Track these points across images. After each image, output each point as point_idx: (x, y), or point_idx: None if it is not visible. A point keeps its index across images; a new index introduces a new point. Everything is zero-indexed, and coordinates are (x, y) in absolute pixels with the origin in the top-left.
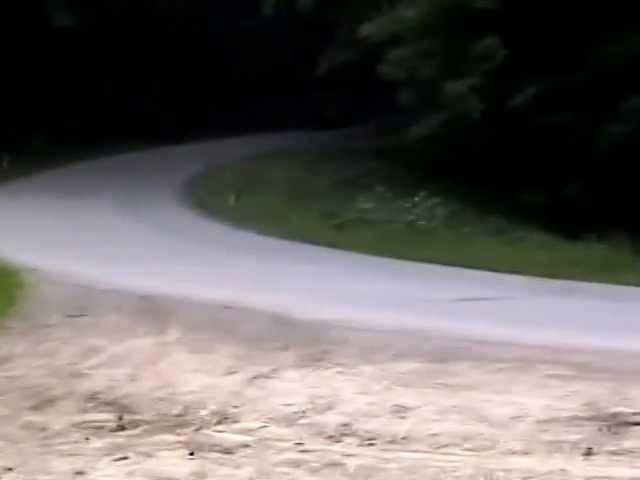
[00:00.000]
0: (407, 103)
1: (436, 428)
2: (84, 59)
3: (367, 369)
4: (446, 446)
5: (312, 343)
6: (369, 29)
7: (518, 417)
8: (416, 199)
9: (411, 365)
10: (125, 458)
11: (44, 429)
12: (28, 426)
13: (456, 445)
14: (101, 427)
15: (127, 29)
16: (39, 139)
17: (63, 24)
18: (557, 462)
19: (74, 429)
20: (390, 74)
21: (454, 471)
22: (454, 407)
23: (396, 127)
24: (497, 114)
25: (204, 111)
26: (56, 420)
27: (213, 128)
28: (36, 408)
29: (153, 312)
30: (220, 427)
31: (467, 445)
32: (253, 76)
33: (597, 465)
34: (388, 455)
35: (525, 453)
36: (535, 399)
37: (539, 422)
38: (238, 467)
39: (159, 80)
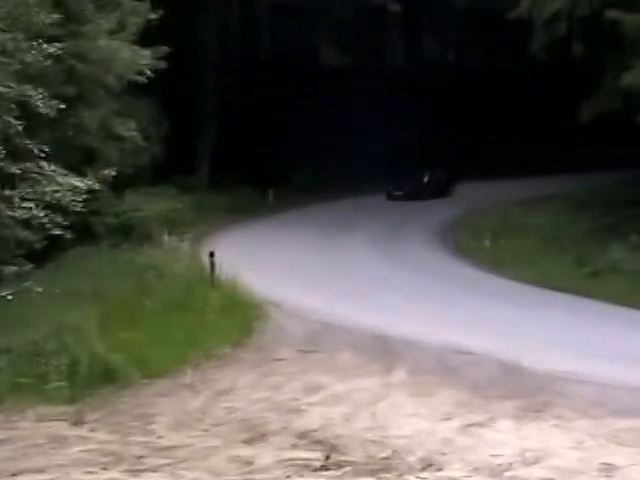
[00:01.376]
0: None
1: None
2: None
3: (584, 424)
4: None
5: (534, 393)
6: (630, 78)
7: None
8: None
9: (630, 423)
10: None
11: (249, 463)
12: (235, 459)
13: None
14: (306, 465)
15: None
16: (302, 176)
17: (332, 63)
18: None
19: (279, 466)
20: None
21: None
22: None
23: None
24: None
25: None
26: (264, 455)
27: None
28: (247, 442)
29: (384, 352)
30: (423, 474)
31: None
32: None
33: None
34: None
35: None
36: None
37: None
38: None
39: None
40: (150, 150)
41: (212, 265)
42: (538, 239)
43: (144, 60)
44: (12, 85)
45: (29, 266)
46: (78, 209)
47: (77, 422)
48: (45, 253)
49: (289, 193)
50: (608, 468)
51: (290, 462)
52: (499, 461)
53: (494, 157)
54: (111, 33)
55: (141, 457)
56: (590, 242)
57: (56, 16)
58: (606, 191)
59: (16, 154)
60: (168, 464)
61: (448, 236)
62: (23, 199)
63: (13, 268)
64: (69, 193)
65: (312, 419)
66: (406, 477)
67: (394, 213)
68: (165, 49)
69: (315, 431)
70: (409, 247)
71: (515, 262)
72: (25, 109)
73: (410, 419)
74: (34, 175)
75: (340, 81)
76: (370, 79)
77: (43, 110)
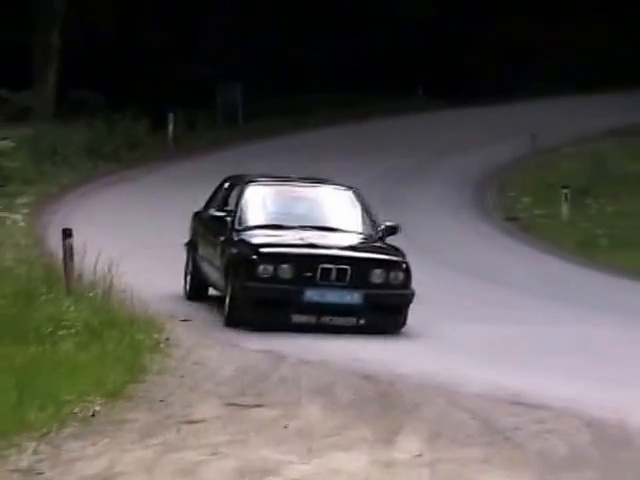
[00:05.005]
0: None
1: None
2: None
3: None
4: None
5: None
6: None
7: None
8: None
9: None
10: None
11: None
12: None
13: None
14: None
15: None
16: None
17: None
18: None
19: None
20: None
21: None
22: None
23: None
24: None
25: None
26: None
27: None
28: None
29: (379, 403)
30: None
31: None
32: None
33: None
34: None
35: None
36: None
37: None
38: None
39: None
40: None
41: (68, 253)
42: None
43: None
44: None
45: None
46: None
47: None
48: None
49: (208, 123)
50: None
51: None
52: None
53: (562, 56)
54: None
55: None
56: None
57: None
58: None
59: None
60: None
61: (492, 196)
62: None
63: None
64: None
65: None
66: None
67: (390, 150)
68: None
69: None
70: (422, 213)
71: (616, 243)
72: None
73: None
74: None
75: None
76: None
77: None
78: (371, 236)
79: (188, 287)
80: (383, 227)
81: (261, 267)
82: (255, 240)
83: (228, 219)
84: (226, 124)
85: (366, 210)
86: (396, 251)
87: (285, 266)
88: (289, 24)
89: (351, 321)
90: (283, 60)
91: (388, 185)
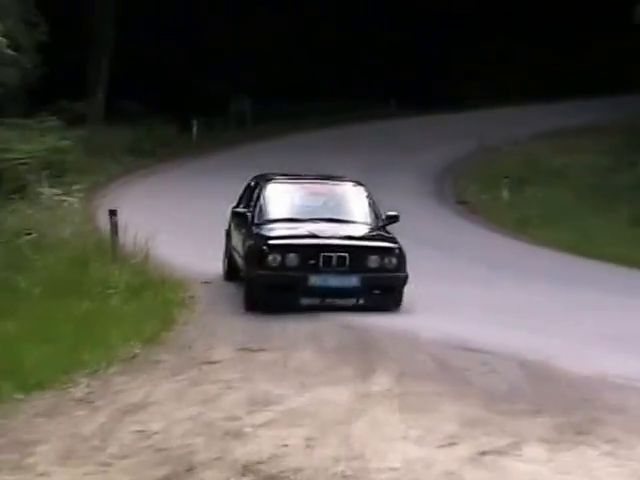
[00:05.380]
0: None
1: None
2: None
3: None
4: None
5: (576, 408)
6: None
7: None
8: None
9: None
10: None
11: None
12: None
13: None
14: None
15: None
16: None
17: None
18: None
19: None
20: None
21: None
22: None
23: None
24: None
25: None
26: None
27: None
28: (167, 479)
29: (359, 349)
30: None
31: None
32: None
33: None
34: None
35: None
36: None
37: None
38: None
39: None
40: (21, 64)
41: (114, 229)
42: (576, 189)
43: None
44: None
45: None
46: None
47: None
48: None
49: (224, 127)
50: None
51: None
52: None
53: (509, 73)
54: None
55: None
56: None
57: None
58: None
59: None
60: None
61: (448, 184)
62: None
63: None
64: None
65: (260, 446)
66: None
67: (371, 152)
68: None
69: (264, 463)
70: (392, 198)
71: (545, 221)
72: None
73: (398, 445)
74: None
75: None
76: None
77: None
78: (374, 225)
79: (225, 270)
80: (384, 217)
81: (270, 257)
82: (266, 233)
83: (248, 214)
84: (237, 128)
85: (371, 202)
86: (391, 239)
87: (291, 255)
88: (290, 50)
89: (351, 301)
90: (283, 77)
91: (367, 175)
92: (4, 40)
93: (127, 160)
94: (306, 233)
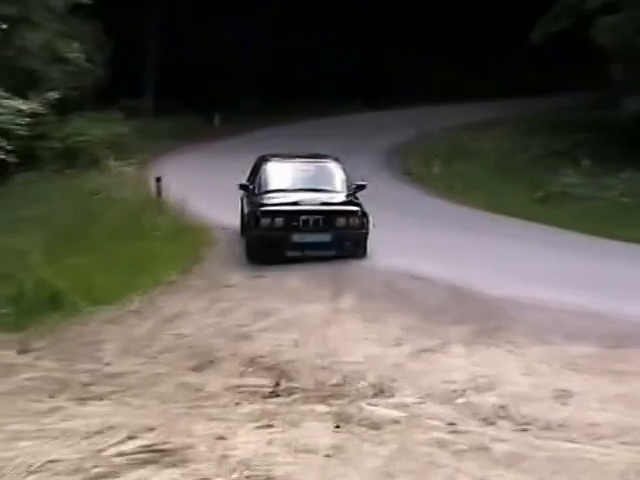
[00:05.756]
0: (619, 76)
1: (596, 418)
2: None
3: (538, 350)
4: (602, 438)
5: (486, 319)
6: None
7: None
8: (622, 175)
9: (583, 349)
10: (269, 426)
11: (198, 390)
12: (183, 386)
13: (613, 437)
14: (255, 392)
15: None
16: (249, 100)
17: None
18: None
19: (228, 393)
20: (602, 41)
21: (605, 465)
22: (620, 396)
23: (606, 100)
24: None
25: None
26: (212, 382)
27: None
28: (196, 369)
29: (332, 278)
30: (374, 400)
31: (625, 438)
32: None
33: None
34: (539, 442)
35: None
36: None
37: None
38: (381, 443)
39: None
40: (95, 73)
41: (159, 190)
42: (488, 164)
43: None
44: None
45: None
46: (23, 133)
47: (22, 350)
48: None
49: (236, 117)
50: (563, 395)
51: (239, 389)
52: (452, 387)
53: (439, 80)
54: None
55: (88, 385)
56: (541, 167)
57: None
58: (557, 115)
59: None
60: (115, 391)
61: (395, 161)
62: None
63: None
64: (12, 116)
65: (261, 345)
66: (357, 404)
67: (342, 137)
68: None
69: (264, 357)
70: (357, 171)
71: (465, 188)
72: None
73: (360, 345)
74: None
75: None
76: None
77: None
78: (346, 193)
79: (240, 228)
80: (354, 185)
81: (263, 220)
82: (260, 202)
83: (250, 186)
84: (247, 118)
85: (344, 174)
86: (356, 204)
87: (278, 219)
88: (284, 59)
89: (326, 253)
90: (278, 79)
91: (335, 154)
92: (82, 56)
93: (168, 142)
94: (290, 201)
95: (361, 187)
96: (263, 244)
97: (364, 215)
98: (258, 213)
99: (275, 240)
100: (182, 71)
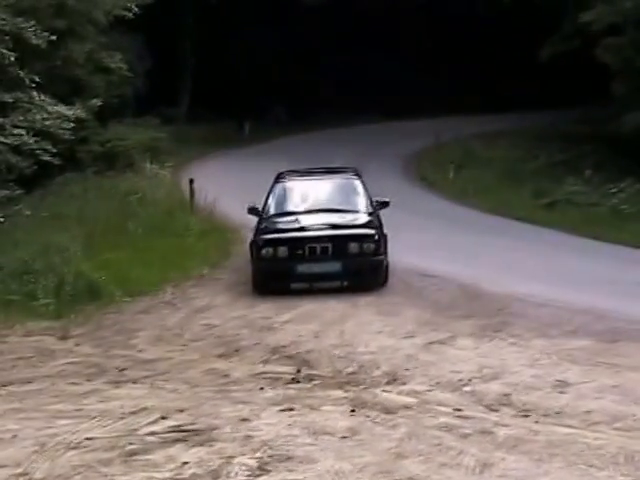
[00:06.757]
0: (620, 92)
1: (591, 405)
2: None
3: (539, 343)
4: (597, 424)
5: (493, 314)
6: (589, 16)
7: None
8: (622, 185)
9: (582, 342)
10: (290, 409)
11: (225, 376)
12: (211, 372)
13: (607, 424)
14: (278, 379)
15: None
16: (279, 109)
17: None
18: None
19: (252, 379)
20: (607, 60)
21: (598, 449)
22: (614, 387)
23: (608, 114)
24: None
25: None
26: (238, 369)
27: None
28: (223, 356)
29: None
30: (388, 387)
31: (617, 425)
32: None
33: None
34: (538, 427)
35: None
36: None
37: None
38: (393, 427)
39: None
40: (135, 83)
41: (192, 192)
42: (498, 172)
43: None
44: (6, 17)
45: (19, 191)
46: (66, 137)
47: (63, 336)
48: (34, 179)
49: (266, 126)
50: (561, 384)
51: (263, 375)
52: (459, 377)
53: (456, 94)
54: None
55: (123, 369)
56: (547, 176)
57: None
58: (563, 128)
59: (9, 84)
60: (148, 376)
61: (412, 167)
62: (15, 126)
63: (5, 192)
64: (58, 121)
65: (284, 336)
66: (372, 390)
67: (362, 143)
68: None
69: (286, 347)
70: (376, 177)
71: (476, 192)
72: (18, 41)
73: (376, 336)
74: (25, 104)
75: (322, 18)
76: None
77: (35, 41)
78: (365, 212)
79: None
80: (376, 202)
81: (264, 250)
82: (263, 228)
83: (260, 209)
84: (275, 127)
85: (364, 191)
86: (373, 226)
87: (282, 248)
88: (314, 76)
89: (336, 284)
90: (304, 92)
91: (354, 161)
92: (123, 66)
93: (200, 148)
94: (296, 227)
95: (384, 204)
96: (267, 276)
97: (381, 239)
98: (260, 242)
99: (279, 271)
100: (215, 82)
